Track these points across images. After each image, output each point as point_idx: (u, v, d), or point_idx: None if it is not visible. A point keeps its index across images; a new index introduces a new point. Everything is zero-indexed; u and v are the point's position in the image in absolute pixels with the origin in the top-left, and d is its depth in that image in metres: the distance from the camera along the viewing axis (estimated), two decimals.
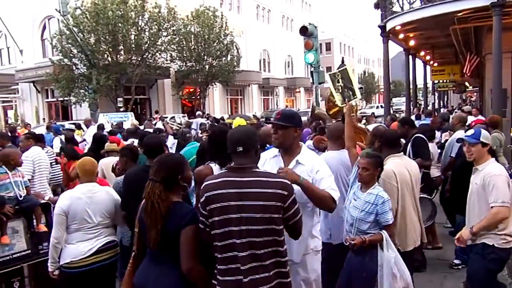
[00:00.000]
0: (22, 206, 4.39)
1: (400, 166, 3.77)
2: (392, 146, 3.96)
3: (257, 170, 2.49)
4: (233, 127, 6.28)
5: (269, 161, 3.14)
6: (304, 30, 10.47)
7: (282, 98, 47.61)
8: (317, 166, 3.02)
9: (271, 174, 2.52)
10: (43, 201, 4.81)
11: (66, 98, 25.08)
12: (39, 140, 6.95)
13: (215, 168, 3.39)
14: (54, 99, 29.32)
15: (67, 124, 16.94)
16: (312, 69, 10.85)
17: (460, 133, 5.96)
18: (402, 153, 4.07)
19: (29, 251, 4.33)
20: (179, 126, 11.27)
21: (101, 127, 12.23)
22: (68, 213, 3.47)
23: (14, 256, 4.20)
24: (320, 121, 6.90)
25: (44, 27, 29.41)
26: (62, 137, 10.53)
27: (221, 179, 2.45)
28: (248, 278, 2.32)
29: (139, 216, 2.71)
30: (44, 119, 28.15)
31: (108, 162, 5.76)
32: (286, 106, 43.02)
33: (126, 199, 3.69)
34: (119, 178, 4.40)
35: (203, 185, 2.49)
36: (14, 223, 4.25)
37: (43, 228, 4.45)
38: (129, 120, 18.07)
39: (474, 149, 3.60)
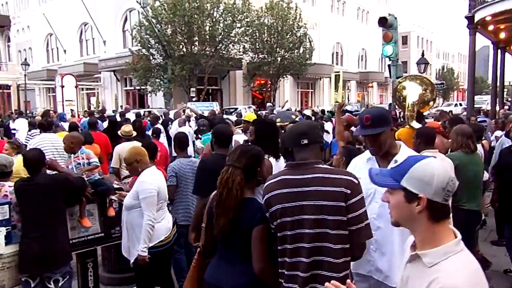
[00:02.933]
0: (98, 190, 4.50)
1: None
2: (427, 142, 4.11)
3: (320, 166, 2.24)
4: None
5: (363, 166, 2.71)
6: (383, 21, 9.96)
7: (354, 92, 46.39)
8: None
9: (335, 170, 2.30)
10: (116, 186, 4.91)
11: (142, 87, 26.20)
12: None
13: (272, 160, 3.35)
14: (132, 88, 30.73)
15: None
16: (390, 62, 10.32)
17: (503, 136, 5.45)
18: (437, 149, 4.12)
19: (103, 234, 4.45)
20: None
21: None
22: (158, 194, 3.85)
23: (89, 238, 4.33)
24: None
25: (126, 19, 30.83)
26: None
27: (280, 178, 2.27)
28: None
29: (208, 210, 2.60)
30: (121, 106, 29.64)
31: (123, 148, 6.11)
32: (358, 101, 41.88)
33: (200, 184, 3.75)
34: (175, 163, 4.86)
35: (264, 186, 2.34)
36: (89, 206, 4.38)
37: (112, 212, 4.54)
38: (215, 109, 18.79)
39: None
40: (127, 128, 6.86)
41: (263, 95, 33.18)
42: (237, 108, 22.77)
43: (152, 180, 3.84)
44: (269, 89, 31.34)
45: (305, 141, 2.26)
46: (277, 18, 28.07)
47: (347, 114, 7.87)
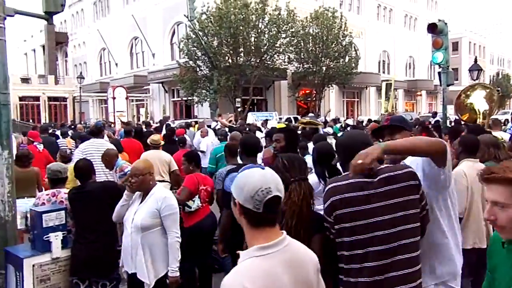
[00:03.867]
0: None
1: (471, 168, 3.77)
2: (468, 151, 4.04)
3: (382, 167, 2.31)
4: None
5: None
6: (432, 28, 9.69)
7: (401, 101, 45.24)
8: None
9: (395, 167, 2.32)
10: None
11: (189, 98, 26.82)
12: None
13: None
14: (179, 99, 31.52)
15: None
16: (440, 69, 10.00)
17: None
18: (478, 159, 4.06)
19: None
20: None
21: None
22: None
23: None
24: None
25: (174, 33, 31.77)
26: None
27: (346, 182, 2.25)
28: None
29: None
30: (169, 116, 30.43)
31: (148, 154, 6.56)
32: (406, 110, 40.80)
33: (226, 196, 3.76)
34: (222, 170, 4.69)
35: (327, 188, 2.31)
36: None
37: None
38: (273, 119, 19.96)
39: None
40: (155, 137, 7.23)
41: (308, 104, 33.06)
42: (281, 118, 22.82)
43: (172, 196, 3.67)
44: (314, 99, 31.18)
45: None
46: (322, 27, 27.92)
47: (372, 123, 7.64)
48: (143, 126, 13.67)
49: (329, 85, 31.03)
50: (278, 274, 1.58)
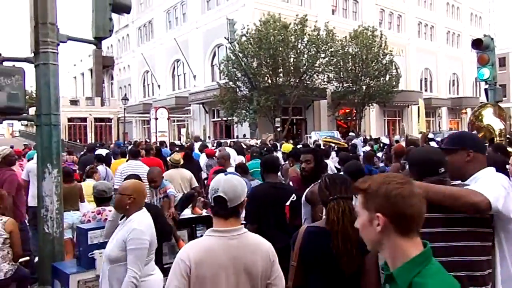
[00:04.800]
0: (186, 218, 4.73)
1: None
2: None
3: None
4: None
5: None
6: (477, 43, 9.43)
7: (445, 119, 43.94)
8: (480, 179, 2.35)
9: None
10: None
11: (229, 118, 27.15)
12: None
13: None
14: (219, 119, 31.96)
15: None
16: (487, 86, 9.67)
17: None
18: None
19: None
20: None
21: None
22: (150, 245, 3.21)
23: None
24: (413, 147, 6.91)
25: (214, 55, 32.47)
26: None
27: None
28: None
29: (302, 247, 2.41)
30: (209, 136, 30.87)
31: (169, 174, 6.79)
32: (450, 129, 39.57)
33: (249, 212, 3.67)
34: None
35: None
36: (181, 232, 4.59)
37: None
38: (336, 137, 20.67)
39: None
40: (176, 156, 7.50)
41: (348, 124, 32.70)
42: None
43: (145, 228, 3.17)
44: (354, 118, 30.82)
45: (442, 170, 2.27)
46: (362, 46, 27.76)
47: (397, 144, 7.74)
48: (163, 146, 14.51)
49: (370, 104, 30.63)
50: (218, 252, 2.04)
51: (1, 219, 4.13)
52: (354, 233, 2.20)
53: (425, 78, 42.39)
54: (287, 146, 8.44)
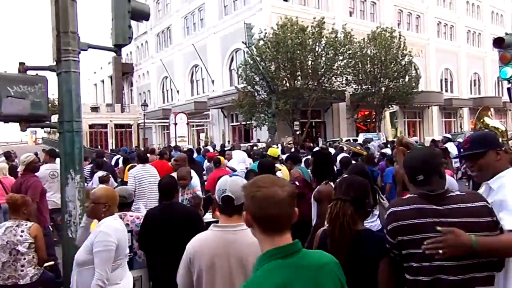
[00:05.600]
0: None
1: None
2: None
3: (453, 194, 2.15)
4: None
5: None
6: (499, 42, 9.22)
7: (466, 120, 43.15)
8: (509, 192, 2.28)
9: (469, 197, 2.13)
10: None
11: (248, 122, 27.21)
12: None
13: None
14: (238, 123, 32.06)
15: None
16: (510, 85, 9.48)
17: None
18: None
19: None
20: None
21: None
22: (117, 248, 3.20)
23: None
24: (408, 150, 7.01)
25: (232, 59, 32.63)
26: None
27: (415, 206, 2.14)
28: None
29: (320, 248, 2.38)
30: (229, 141, 31.00)
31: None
32: (472, 129, 38.80)
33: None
34: None
35: (389, 211, 2.22)
36: None
37: None
38: (380, 139, 21.71)
39: None
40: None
41: (368, 126, 32.43)
42: (337, 140, 22.56)
43: (112, 231, 3.17)
44: (374, 120, 30.54)
45: (421, 177, 2.20)
46: (380, 48, 27.52)
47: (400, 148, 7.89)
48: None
49: (389, 106, 30.31)
50: (214, 244, 2.29)
51: (26, 224, 4.22)
52: (340, 235, 2.26)
53: (445, 79, 41.78)
54: (274, 151, 9.05)
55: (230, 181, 2.42)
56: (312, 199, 4.37)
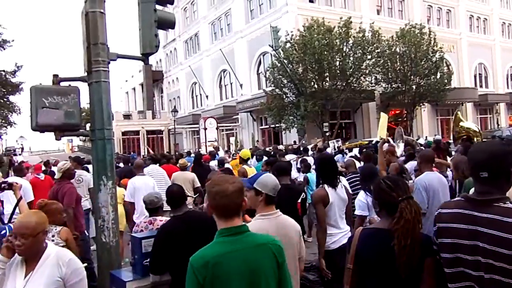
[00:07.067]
0: None
1: None
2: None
3: (501, 204, 1.96)
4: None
5: None
6: None
7: (504, 116, 41.73)
8: None
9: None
10: None
11: (277, 125, 27.21)
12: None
13: (329, 190, 4.26)
14: (267, 126, 32.12)
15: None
16: None
17: None
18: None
19: None
20: None
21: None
22: None
23: None
24: (409, 147, 7.82)
25: (259, 63, 32.76)
26: None
27: (456, 210, 2.09)
28: None
29: (358, 249, 2.40)
30: (257, 141, 31.09)
31: (176, 175, 8.46)
32: (510, 125, 37.51)
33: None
34: None
35: (437, 212, 2.22)
36: None
37: None
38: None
39: None
40: (182, 161, 9.45)
41: (399, 125, 31.83)
42: (372, 141, 22.12)
43: (76, 258, 2.84)
44: (405, 119, 29.98)
45: (485, 174, 2.00)
46: (409, 45, 26.99)
47: (388, 145, 8.25)
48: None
49: (421, 104, 29.69)
50: (268, 229, 2.70)
51: (55, 229, 4.37)
52: (419, 233, 2.24)
53: (480, 74, 40.57)
54: (245, 152, 9.80)
55: (275, 179, 3.08)
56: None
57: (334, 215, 4.31)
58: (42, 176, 9.16)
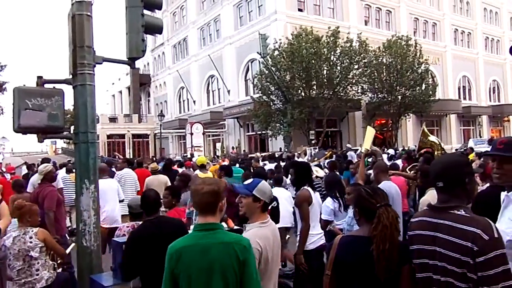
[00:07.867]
0: None
1: None
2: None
3: (455, 212, 2.09)
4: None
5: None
6: None
7: (486, 128, 42.46)
8: None
9: (469, 219, 2.03)
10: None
11: (263, 132, 27.28)
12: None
13: (311, 191, 4.59)
14: (254, 133, 32.17)
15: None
16: None
17: None
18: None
19: None
20: None
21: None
22: None
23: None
24: (373, 157, 8.24)
25: (247, 69, 32.85)
26: None
27: (422, 218, 2.26)
28: None
29: (338, 256, 2.43)
30: (244, 150, 31.07)
31: (150, 179, 8.62)
32: (491, 137, 38.19)
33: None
34: None
35: (409, 222, 2.37)
36: None
37: None
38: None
39: None
40: (153, 165, 9.84)
41: (384, 135, 32.19)
42: (357, 150, 22.29)
43: None
44: (390, 129, 30.30)
45: (440, 184, 2.19)
46: (396, 56, 27.40)
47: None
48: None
49: (406, 114, 30.07)
50: (269, 236, 2.81)
51: (32, 230, 4.35)
52: (397, 238, 2.33)
53: (463, 86, 41.28)
54: (202, 159, 10.06)
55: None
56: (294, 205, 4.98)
57: (314, 216, 4.54)
58: (9, 177, 9.15)
